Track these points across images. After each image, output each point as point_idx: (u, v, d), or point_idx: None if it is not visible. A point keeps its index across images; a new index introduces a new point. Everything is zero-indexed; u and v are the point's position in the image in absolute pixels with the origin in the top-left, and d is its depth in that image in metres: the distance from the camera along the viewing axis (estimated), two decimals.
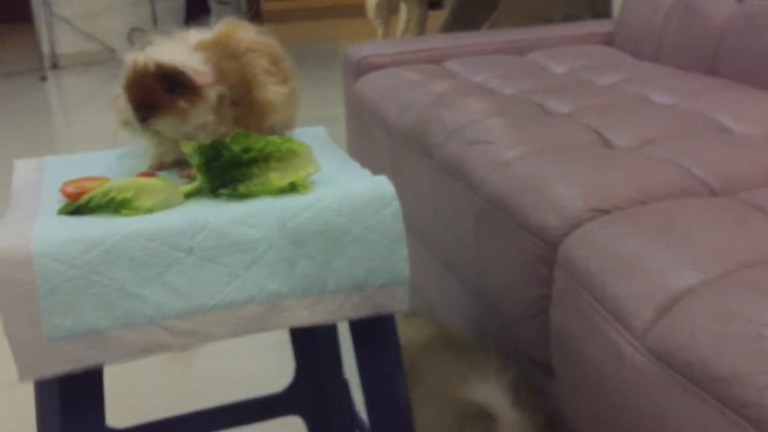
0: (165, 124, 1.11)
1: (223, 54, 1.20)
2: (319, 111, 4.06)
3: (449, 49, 2.34)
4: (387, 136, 1.90)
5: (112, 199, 0.98)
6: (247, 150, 1.05)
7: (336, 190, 1.03)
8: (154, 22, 5.69)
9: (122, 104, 1.13)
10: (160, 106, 1.10)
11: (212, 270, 0.95)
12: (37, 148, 3.87)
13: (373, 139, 2.06)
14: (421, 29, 3.08)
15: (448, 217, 1.50)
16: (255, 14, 5.85)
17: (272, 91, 1.23)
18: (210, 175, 1.04)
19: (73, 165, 1.22)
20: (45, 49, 5.67)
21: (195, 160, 1.04)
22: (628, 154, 1.33)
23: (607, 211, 1.12)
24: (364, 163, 2.23)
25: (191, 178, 1.15)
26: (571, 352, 1.06)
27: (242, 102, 1.19)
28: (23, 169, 1.23)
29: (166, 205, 1.00)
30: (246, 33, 1.25)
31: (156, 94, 1.10)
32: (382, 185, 1.05)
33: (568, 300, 1.06)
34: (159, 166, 1.20)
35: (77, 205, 0.99)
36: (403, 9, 3.05)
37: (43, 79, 5.32)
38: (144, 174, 1.12)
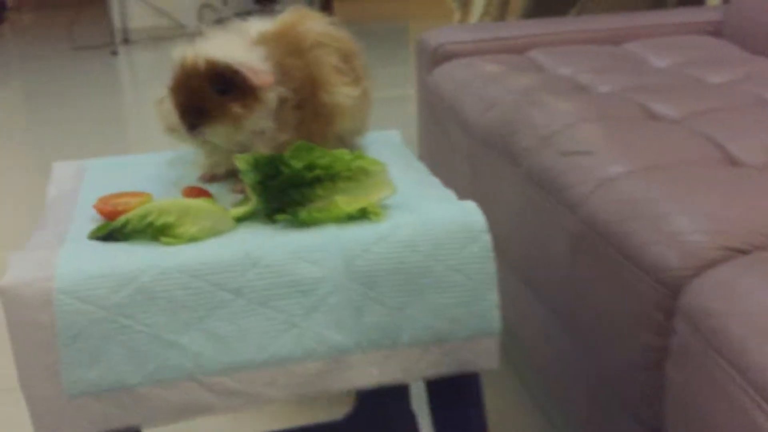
0: (216, 132, 0.95)
1: (287, 49, 1.04)
2: (385, 92, 3.90)
3: (535, 38, 2.13)
4: (465, 136, 1.72)
5: (151, 223, 0.83)
6: (310, 167, 0.88)
7: (414, 219, 0.86)
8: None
9: (168, 108, 0.98)
10: (211, 112, 0.94)
11: (264, 316, 0.79)
12: (107, 124, 3.81)
13: (448, 137, 1.88)
14: (502, 13, 2.87)
15: (537, 235, 1.32)
16: None
17: (342, 93, 1.06)
18: (266, 196, 0.88)
19: (115, 171, 1.08)
20: (117, 23, 5.63)
21: (249, 178, 0.88)
22: (761, 174, 1.12)
23: (744, 251, 0.92)
24: (437, 162, 2.04)
25: (245, 194, 0.99)
26: (694, 419, 0.88)
27: (306, 106, 1.03)
28: (61, 173, 1.09)
29: (212, 232, 0.85)
30: (314, 24, 1.09)
31: (206, 96, 0.95)
32: (470, 214, 0.87)
33: (692, 359, 0.87)
34: (209, 178, 1.05)
35: (111, 229, 0.84)
36: None
37: (114, 53, 5.28)
38: (190, 190, 0.97)
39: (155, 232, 0.83)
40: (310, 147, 0.91)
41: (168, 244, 0.82)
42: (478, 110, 1.69)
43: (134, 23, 5.71)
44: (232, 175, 1.05)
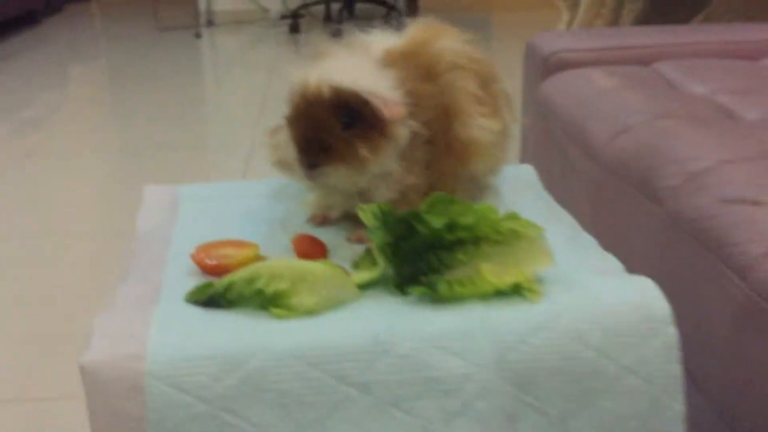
0: (338, 174, 0.80)
1: (418, 72, 0.88)
2: None
3: (663, 48, 1.92)
4: (589, 162, 1.53)
5: (261, 291, 0.69)
6: (451, 227, 0.73)
7: (579, 302, 0.69)
8: None
9: (281, 140, 0.83)
10: (336, 150, 0.79)
11: (396, 420, 0.64)
12: (189, 107, 3.75)
13: (565, 161, 1.69)
14: (617, 17, 2.65)
15: (686, 299, 1.13)
16: None
17: (480, 126, 0.90)
18: (397, 262, 0.73)
19: (213, 203, 0.94)
20: (202, 5, 5.58)
21: (377, 238, 0.73)
22: None
23: None
24: (549, 186, 1.87)
25: (363, 243, 0.84)
26: None
27: (438, 141, 0.87)
28: (153, 200, 0.96)
29: (332, 303, 0.70)
30: (449, 42, 0.92)
31: (331, 131, 0.80)
32: (650, 296, 0.71)
33: None
34: (321, 221, 0.91)
35: (212, 293, 0.70)
36: None
37: (198, 35, 5.22)
38: (302, 240, 0.83)
39: (265, 301, 0.69)
40: (449, 200, 0.75)
41: (280, 317, 0.68)
42: (605, 134, 1.50)
43: (219, 5, 5.64)
44: (347, 218, 0.91)
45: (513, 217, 0.73)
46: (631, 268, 1.25)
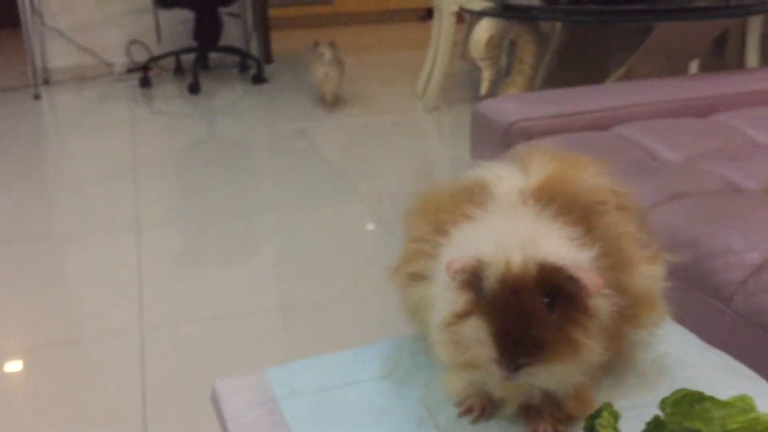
0: (551, 372, 0.64)
1: (569, 219, 0.73)
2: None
3: (620, 110, 1.89)
4: None
5: None
6: None
7: None
8: (158, 34, 5.12)
9: (468, 334, 0.65)
10: (549, 344, 0.63)
11: None
12: (35, 176, 3.35)
13: None
14: (536, 74, 2.62)
15: None
16: (262, 20, 5.33)
17: (647, 275, 0.76)
18: None
19: (322, 398, 0.74)
20: (37, 63, 5.08)
21: None
22: None
23: None
24: None
25: None
26: None
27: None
28: (234, 404, 0.74)
29: None
30: (590, 175, 0.79)
31: (542, 322, 0.63)
32: None
33: None
34: (480, 413, 0.73)
35: None
36: (520, 47, 2.59)
37: (37, 96, 4.74)
38: None
39: None
40: (697, 396, 0.61)
41: None
42: None
43: (56, 62, 5.17)
44: (492, 405, 0.74)
45: None
46: None
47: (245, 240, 2.69)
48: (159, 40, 5.15)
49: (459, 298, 0.66)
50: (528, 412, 0.71)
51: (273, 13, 5.76)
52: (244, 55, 5.07)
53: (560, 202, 0.73)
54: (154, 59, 5.04)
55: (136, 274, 2.35)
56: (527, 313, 0.63)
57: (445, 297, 0.67)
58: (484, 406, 0.73)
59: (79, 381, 1.83)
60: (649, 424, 0.61)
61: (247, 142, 3.95)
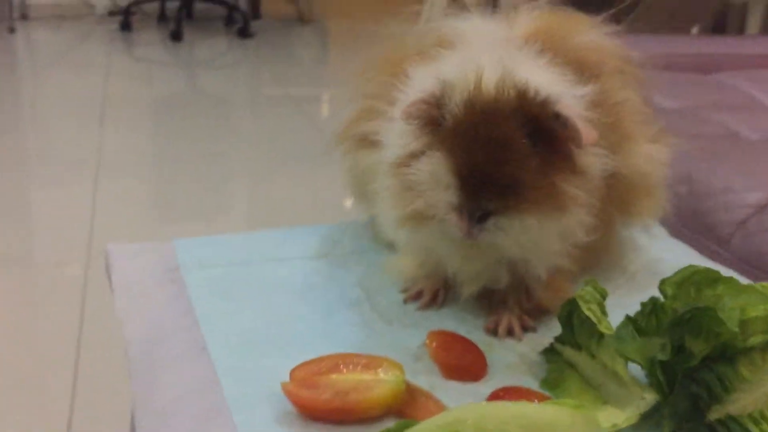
0: (524, 228, 0.50)
1: (576, 72, 0.59)
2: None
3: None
4: None
5: None
6: (743, 327, 0.45)
7: None
8: None
9: (420, 174, 0.51)
10: (529, 190, 0.49)
11: None
12: (10, 112, 3.18)
13: None
14: None
15: None
16: None
17: (648, 156, 0.63)
18: (672, 390, 0.44)
19: (236, 271, 0.60)
20: None
21: (632, 350, 0.44)
22: None
23: None
24: None
25: (516, 336, 0.55)
26: None
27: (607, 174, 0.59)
28: (130, 270, 0.60)
29: None
30: (592, 35, 0.65)
31: (520, 160, 0.49)
32: None
33: None
34: (430, 298, 0.60)
35: None
36: None
37: (12, 30, 4.53)
38: (449, 348, 0.51)
39: None
40: (710, 276, 0.47)
41: None
42: None
43: None
44: (446, 287, 0.60)
45: None
46: None
47: (209, 198, 2.52)
48: None
49: (415, 139, 0.52)
50: (490, 301, 0.57)
51: None
52: (231, 7, 4.89)
53: (549, 56, 0.59)
54: (137, 3, 4.85)
55: (89, 213, 2.23)
56: (499, 143, 0.49)
57: (396, 142, 0.53)
58: (436, 292, 0.59)
59: (21, 301, 1.79)
60: (644, 305, 0.47)
61: (227, 99, 3.78)
